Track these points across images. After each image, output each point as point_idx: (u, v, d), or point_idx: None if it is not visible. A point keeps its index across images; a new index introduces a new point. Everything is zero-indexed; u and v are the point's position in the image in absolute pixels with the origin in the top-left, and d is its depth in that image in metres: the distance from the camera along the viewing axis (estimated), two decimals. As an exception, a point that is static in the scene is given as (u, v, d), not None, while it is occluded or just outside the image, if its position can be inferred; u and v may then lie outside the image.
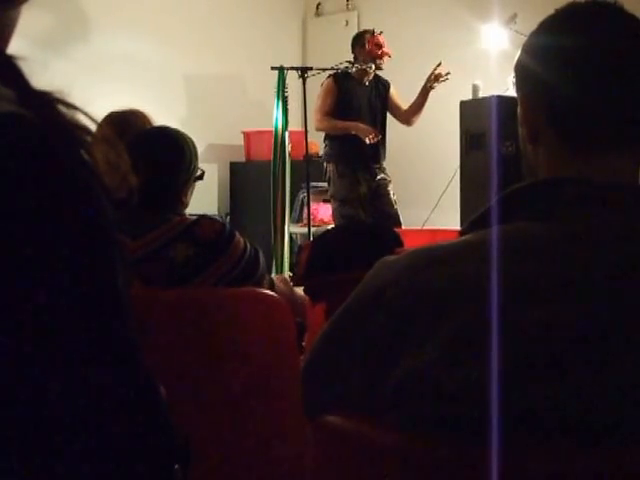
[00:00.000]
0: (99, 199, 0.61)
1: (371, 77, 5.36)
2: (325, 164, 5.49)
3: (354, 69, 5.30)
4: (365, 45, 5.31)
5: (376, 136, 5.18)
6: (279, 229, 5.55)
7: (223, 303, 1.99)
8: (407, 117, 5.41)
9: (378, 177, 5.36)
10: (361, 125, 5.25)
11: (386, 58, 5.32)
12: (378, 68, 5.33)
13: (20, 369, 0.55)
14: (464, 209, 5.43)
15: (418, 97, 5.32)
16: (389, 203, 5.38)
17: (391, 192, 5.40)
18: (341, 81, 5.33)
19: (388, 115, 5.48)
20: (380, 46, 5.28)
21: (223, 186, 6.98)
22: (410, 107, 5.38)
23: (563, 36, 1.01)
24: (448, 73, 5.19)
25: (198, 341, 1.93)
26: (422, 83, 5.27)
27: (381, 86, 5.42)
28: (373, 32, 5.33)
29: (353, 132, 5.24)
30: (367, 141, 5.17)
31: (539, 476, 0.82)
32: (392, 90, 5.45)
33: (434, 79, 5.19)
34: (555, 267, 0.88)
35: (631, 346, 0.84)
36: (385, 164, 5.44)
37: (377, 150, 5.34)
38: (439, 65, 5.18)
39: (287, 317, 1.99)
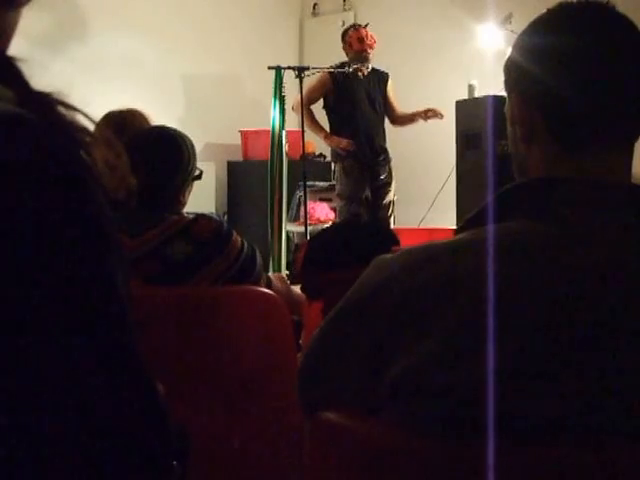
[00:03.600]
0: (98, 200, 0.61)
1: (366, 71, 5.37)
2: (333, 164, 5.54)
3: (351, 69, 5.32)
4: (348, 42, 5.34)
5: (348, 145, 5.27)
6: (276, 228, 5.55)
7: (221, 301, 1.99)
8: (394, 121, 5.46)
9: (381, 176, 5.38)
10: (332, 137, 5.38)
11: (371, 50, 5.33)
12: (365, 59, 5.33)
13: (19, 371, 0.56)
14: (460, 208, 5.43)
15: (410, 116, 5.36)
16: (383, 206, 5.39)
17: (390, 193, 5.41)
18: (338, 77, 5.36)
19: None
20: (361, 40, 5.29)
21: (221, 185, 6.98)
22: (402, 117, 5.43)
23: (558, 35, 1.01)
24: (442, 116, 5.30)
25: (196, 339, 1.93)
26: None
27: (379, 77, 5.43)
28: (354, 27, 5.36)
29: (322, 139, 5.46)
30: (340, 152, 5.34)
31: (535, 473, 0.82)
32: (390, 82, 5.45)
33: (427, 114, 5.25)
34: (550, 266, 0.88)
35: (625, 345, 0.84)
36: (390, 161, 5.47)
37: (379, 145, 5.36)
38: (440, 116, 5.24)
39: (284, 315, 1.99)
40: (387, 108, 5.49)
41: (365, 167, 5.33)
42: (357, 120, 5.32)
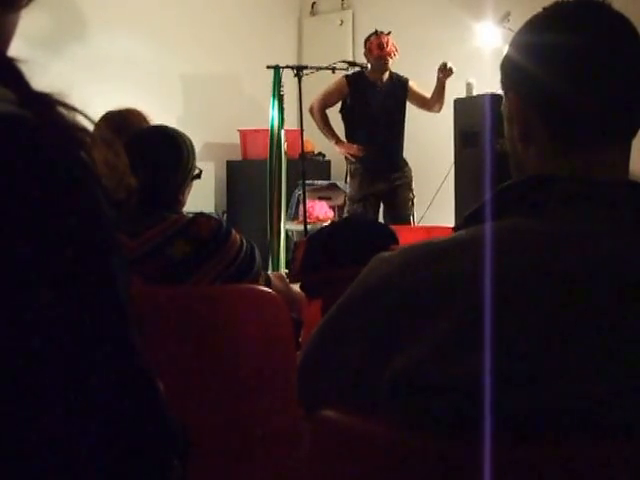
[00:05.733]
0: (98, 200, 0.61)
1: (386, 76, 5.33)
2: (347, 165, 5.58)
3: (347, 69, 5.32)
4: (368, 47, 5.32)
5: (358, 151, 5.28)
6: (275, 226, 5.56)
7: (220, 300, 1.99)
8: (428, 106, 5.39)
9: (393, 178, 5.36)
10: (343, 144, 5.38)
11: (391, 58, 5.29)
12: (384, 67, 5.30)
13: (19, 370, 0.56)
14: (458, 206, 5.43)
15: (437, 89, 5.31)
16: (401, 205, 5.39)
17: (409, 193, 5.40)
18: (354, 83, 5.34)
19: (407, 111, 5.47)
20: (381, 47, 5.26)
21: (220, 184, 6.98)
22: (431, 96, 5.37)
23: (554, 34, 1.01)
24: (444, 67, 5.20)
25: (196, 338, 1.93)
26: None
27: (397, 85, 5.38)
28: (377, 33, 5.32)
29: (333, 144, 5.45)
30: (348, 157, 5.37)
31: (534, 470, 0.82)
32: (411, 84, 5.40)
33: (443, 72, 5.18)
34: (548, 264, 0.88)
35: (624, 342, 0.85)
36: (404, 164, 5.44)
37: (390, 153, 5.35)
38: (445, 65, 5.17)
39: (284, 313, 2.00)
40: (419, 104, 5.41)
41: (371, 171, 5.31)
42: (368, 128, 5.31)
